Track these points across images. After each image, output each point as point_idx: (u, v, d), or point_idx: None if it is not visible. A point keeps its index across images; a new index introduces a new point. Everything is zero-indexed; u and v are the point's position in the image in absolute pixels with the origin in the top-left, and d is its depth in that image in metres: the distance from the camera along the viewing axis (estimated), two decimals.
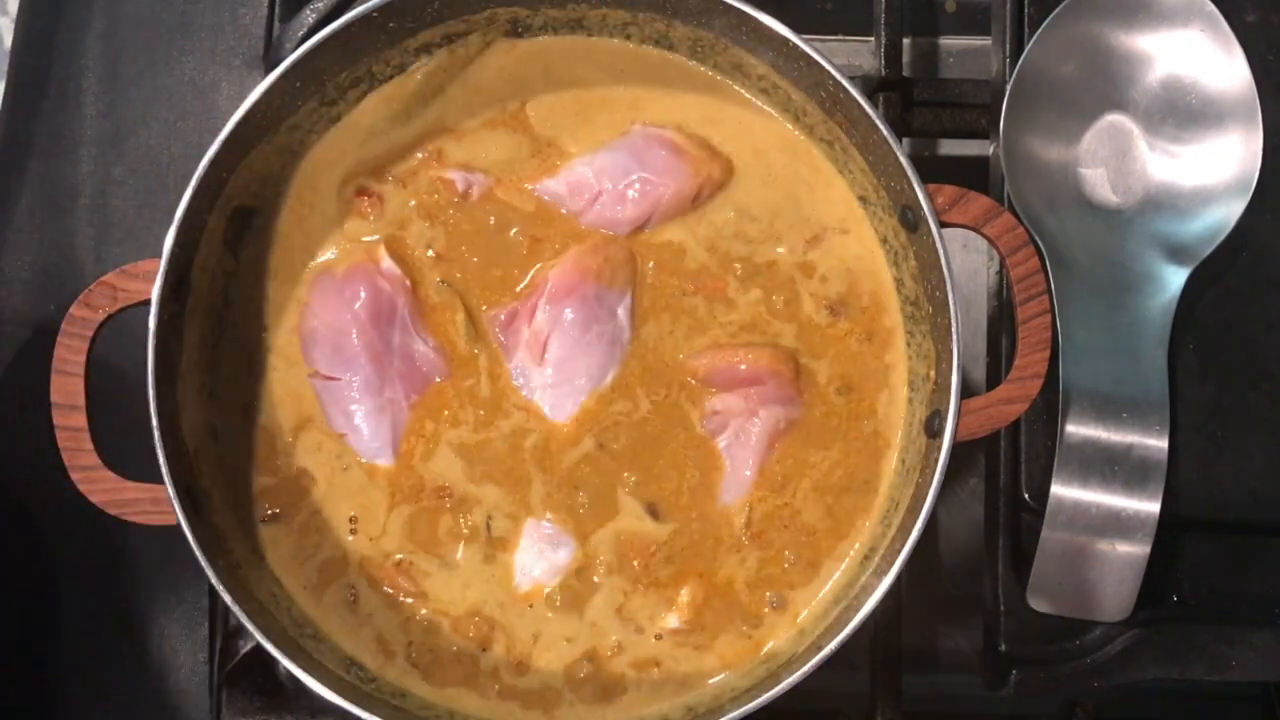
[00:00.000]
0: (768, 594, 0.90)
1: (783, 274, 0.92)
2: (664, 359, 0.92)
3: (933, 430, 0.88)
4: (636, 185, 0.91)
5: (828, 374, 0.91)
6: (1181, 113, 0.96)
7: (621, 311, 0.91)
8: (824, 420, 0.91)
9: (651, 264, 0.92)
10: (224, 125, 0.85)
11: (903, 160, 0.85)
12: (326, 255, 0.92)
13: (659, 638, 0.89)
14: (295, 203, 0.92)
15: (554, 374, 0.91)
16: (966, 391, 0.85)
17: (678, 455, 0.91)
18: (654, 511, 0.90)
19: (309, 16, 1.02)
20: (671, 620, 0.89)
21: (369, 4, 0.87)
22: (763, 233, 0.93)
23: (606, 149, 0.92)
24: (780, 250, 0.92)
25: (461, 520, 0.90)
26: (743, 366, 0.90)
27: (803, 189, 0.93)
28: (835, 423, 0.91)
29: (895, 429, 0.91)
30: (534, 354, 0.91)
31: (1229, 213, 0.95)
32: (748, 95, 0.94)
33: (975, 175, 0.97)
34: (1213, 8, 0.95)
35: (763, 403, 0.90)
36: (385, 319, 0.90)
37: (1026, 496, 0.95)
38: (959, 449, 0.84)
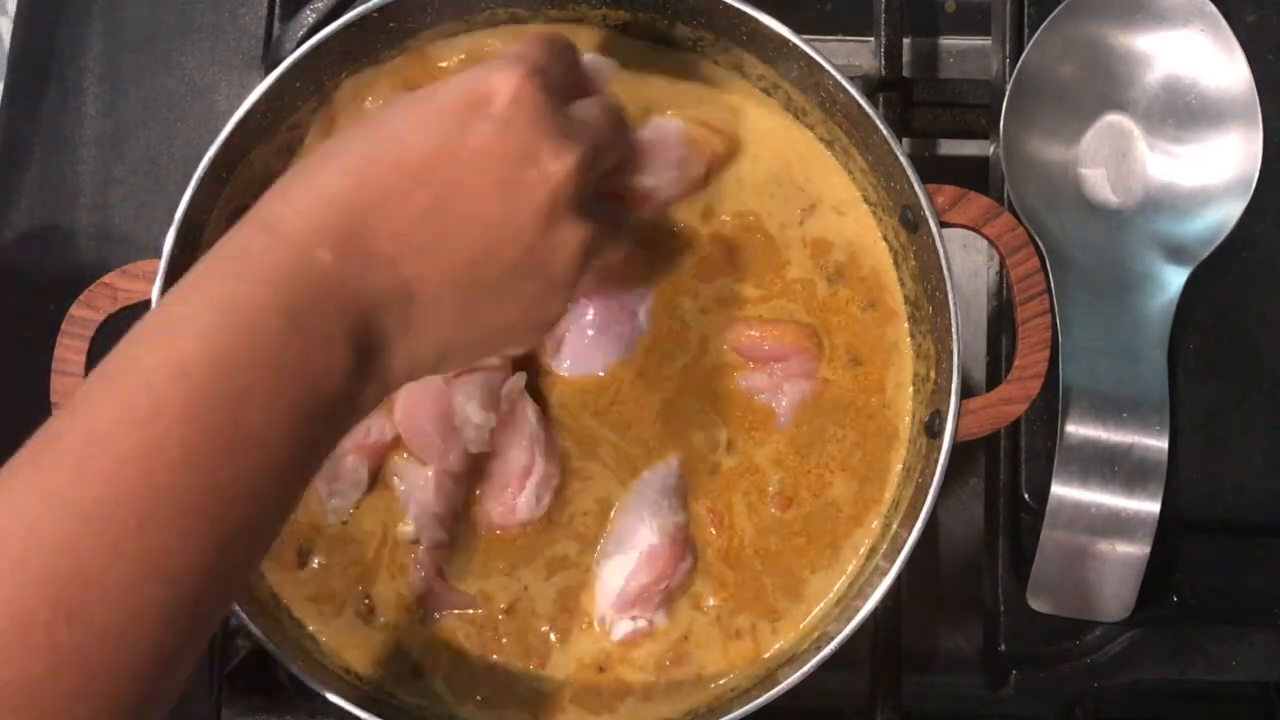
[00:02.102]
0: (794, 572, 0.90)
1: (790, 250, 0.92)
2: (684, 336, 0.92)
3: (933, 430, 0.88)
4: (648, 182, 0.91)
5: (840, 345, 0.92)
6: (1181, 113, 0.96)
7: (641, 312, 0.91)
8: (838, 394, 0.92)
9: (663, 244, 0.92)
10: (224, 125, 0.85)
11: (903, 160, 0.85)
12: None
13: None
14: None
15: (568, 368, 0.91)
16: (966, 391, 0.85)
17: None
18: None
19: (309, 16, 1.02)
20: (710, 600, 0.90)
21: (369, 4, 0.87)
22: (768, 206, 0.93)
23: None
24: (784, 225, 0.93)
25: None
26: (766, 345, 0.91)
27: (800, 176, 0.93)
28: (850, 396, 0.91)
29: (903, 415, 0.91)
30: (548, 352, 0.91)
31: (1229, 213, 0.95)
32: (751, 89, 0.93)
33: (975, 175, 0.97)
34: (1213, 8, 0.95)
35: (787, 378, 0.90)
36: None
37: (1026, 496, 0.95)
38: (959, 449, 0.84)
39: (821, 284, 0.92)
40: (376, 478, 0.90)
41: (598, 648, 0.89)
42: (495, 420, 0.88)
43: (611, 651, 0.89)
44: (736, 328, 0.91)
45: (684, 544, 0.89)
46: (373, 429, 0.89)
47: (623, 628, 0.88)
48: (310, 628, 0.89)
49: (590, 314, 0.90)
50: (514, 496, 0.88)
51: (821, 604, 0.89)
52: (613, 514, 0.90)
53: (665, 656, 0.89)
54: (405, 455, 0.90)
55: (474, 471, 0.90)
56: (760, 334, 0.91)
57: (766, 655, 0.89)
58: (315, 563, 0.89)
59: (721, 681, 0.89)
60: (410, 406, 0.89)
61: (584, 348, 0.90)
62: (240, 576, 0.64)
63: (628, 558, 0.88)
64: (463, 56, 0.93)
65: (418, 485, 0.89)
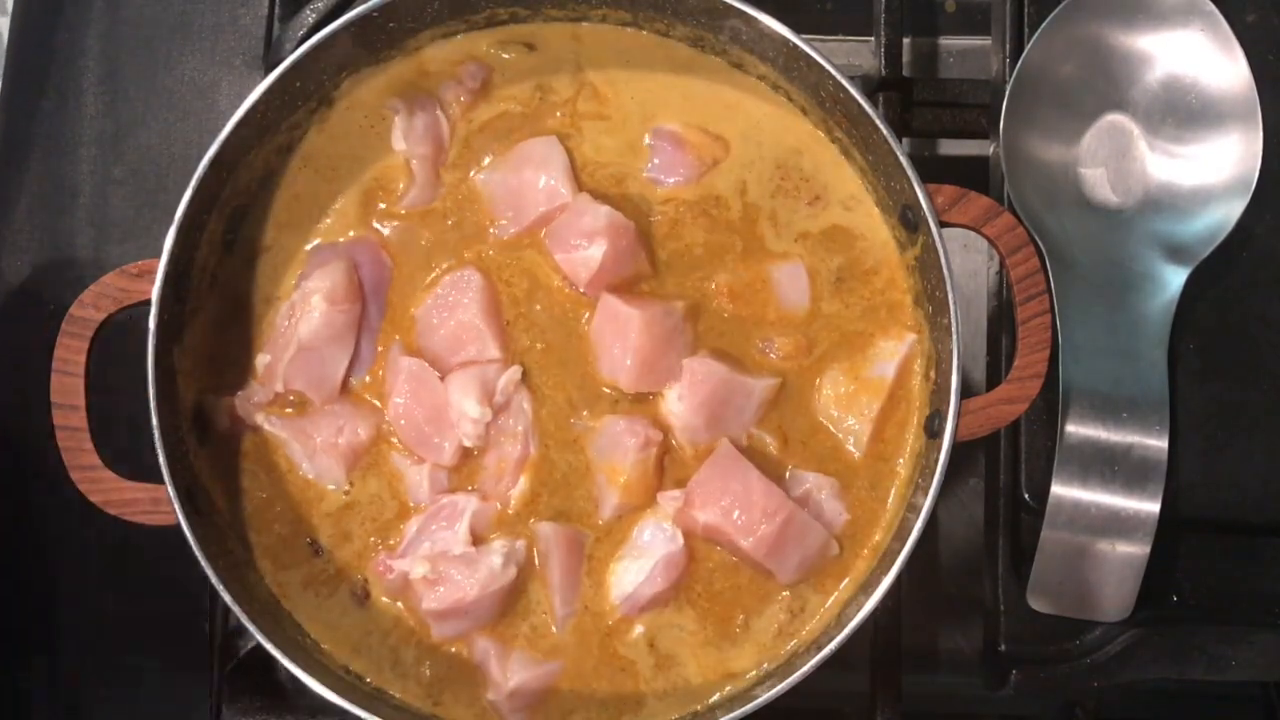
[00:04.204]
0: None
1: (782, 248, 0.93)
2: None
3: (933, 430, 0.88)
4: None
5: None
6: (1181, 113, 0.96)
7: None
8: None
9: (662, 230, 0.93)
10: (224, 125, 0.85)
11: (903, 160, 0.85)
12: (319, 241, 0.92)
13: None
14: (290, 195, 0.92)
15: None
16: (966, 391, 0.85)
17: None
18: None
19: (309, 16, 1.02)
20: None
21: (369, 4, 0.87)
22: (769, 197, 0.93)
23: None
24: (780, 217, 0.93)
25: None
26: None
27: (809, 167, 0.93)
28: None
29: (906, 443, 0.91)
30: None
31: (1229, 213, 0.95)
32: (755, 85, 0.93)
33: (975, 175, 0.97)
34: (1213, 8, 0.95)
35: None
36: (382, 291, 0.91)
37: (1026, 496, 0.95)
38: (959, 449, 0.84)
39: (829, 284, 0.92)
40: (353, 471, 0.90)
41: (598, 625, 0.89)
42: (491, 414, 0.88)
43: (606, 641, 0.89)
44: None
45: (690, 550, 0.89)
46: (345, 429, 0.89)
47: (636, 631, 0.89)
48: (308, 626, 0.89)
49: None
50: (508, 488, 0.88)
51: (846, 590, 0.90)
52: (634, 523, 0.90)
53: (658, 650, 0.89)
54: (401, 452, 0.90)
55: (466, 463, 0.90)
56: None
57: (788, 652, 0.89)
58: (326, 545, 0.89)
59: (724, 679, 0.89)
60: (405, 404, 0.89)
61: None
62: None
63: (641, 564, 0.88)
64: (459, 59, 0.93)
65: (414, 482, 0.89)
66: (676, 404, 0.88)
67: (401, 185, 0.92)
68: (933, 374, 0.89)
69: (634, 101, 0.93)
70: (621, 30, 0.93)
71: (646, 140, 0.93)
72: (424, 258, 0.91)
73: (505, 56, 0.93)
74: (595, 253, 0.88)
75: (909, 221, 0.88)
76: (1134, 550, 0.91)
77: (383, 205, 0.92)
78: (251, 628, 0.82)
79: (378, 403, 0.90)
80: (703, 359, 0.89)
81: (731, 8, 0.87)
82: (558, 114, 0.93)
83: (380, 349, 0.91)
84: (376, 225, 0.92)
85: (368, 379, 0.91)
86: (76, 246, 1.10)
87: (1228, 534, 0.96)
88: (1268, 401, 0.96)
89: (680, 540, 0.88)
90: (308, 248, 0.91)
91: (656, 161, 0.93)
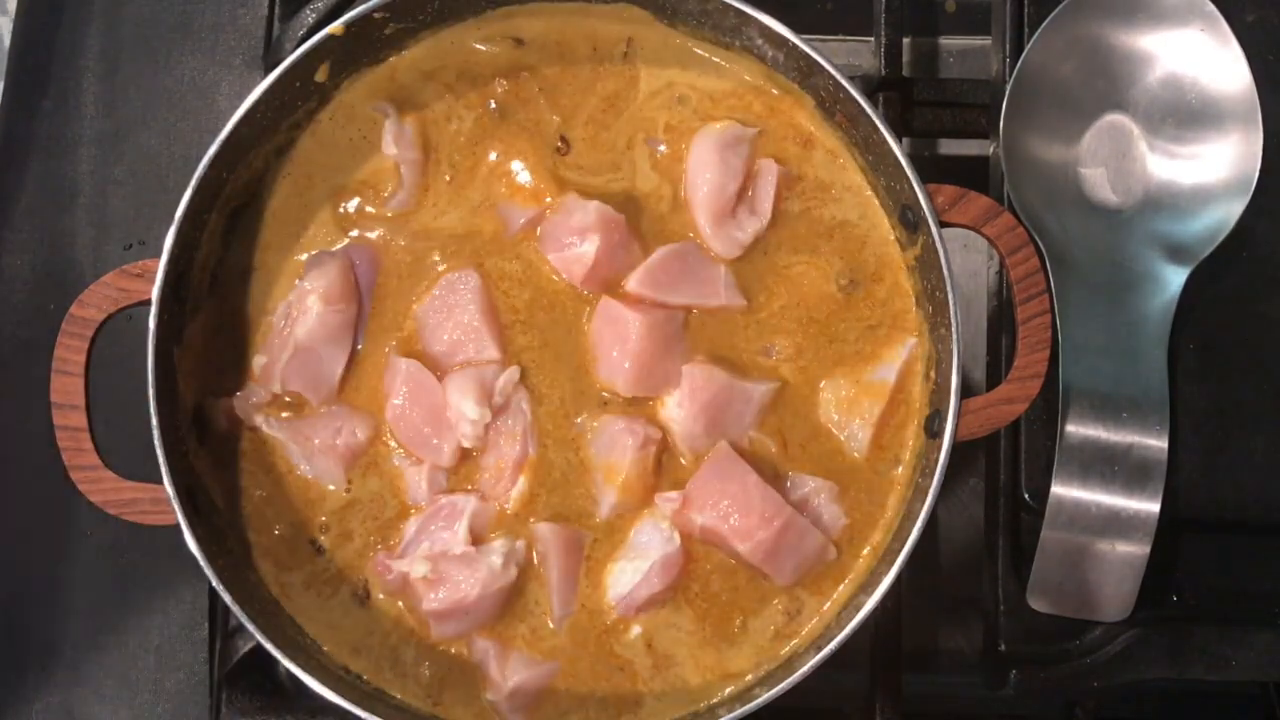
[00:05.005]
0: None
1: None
2: None
3: (933, 430, 0.88)
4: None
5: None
6: (1181, 113, 0.96)
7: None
8: None
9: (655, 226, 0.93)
10: (224, 125, 0.85)
11: (902, 160, 0.85)
12: (313, 251, 0.92)
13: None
14: (288, 194, 0.92)
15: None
16: (966, 391, 0.85)
17: None
18: None
19: (309, 16, 1.02)
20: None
21: (369, 4, 0.87)
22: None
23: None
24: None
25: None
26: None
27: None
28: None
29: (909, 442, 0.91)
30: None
31: (1229, 213, 0.95)
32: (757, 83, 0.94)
33: (975, 175, 0.97)
34: (1213, 8, 0.95)
35: None
36: (378, 292, 0.91)
37: (1026, 496, 0.95)
38: (959, 449, 0.84)
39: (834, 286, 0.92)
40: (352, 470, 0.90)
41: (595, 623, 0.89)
42: (490, 415, 0.88)
43: (604, 638, 0.89)
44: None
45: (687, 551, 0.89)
46: (342, 430, 0.89)
47: (633, 632, 0.89)
48: (309, 626, 0.89)
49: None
50: (507, 488, 0.89)
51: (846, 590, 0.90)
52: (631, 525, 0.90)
53: (656, 651, 0.89)
54: (399, 453, 0.90)
55: (465, 463, 0.90)
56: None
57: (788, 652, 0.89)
58: (327, 545, 0.89)
59: (724, 678, 0.89)
60: (402, 406, 0.89)
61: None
62: None
63: (637, 565, 0.88)
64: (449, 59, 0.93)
65: (412, 482, 0.89)
66: (676, 410, 0.88)
67: (390, 188, 0.92)
68: (933, 374, 0.89)
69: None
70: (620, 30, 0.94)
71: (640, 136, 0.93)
72: (419, 260, 0.91)
73: (493, 50, 0.93)
74: (588, 249, 0.88)
75: (909, 221, 0.88)
76: (1134, 550, 0.91)
77: (370, 209, 0.92)
78: (251, 628, 0.83)
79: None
80: (702, 365, 0.89)
81: (730, 7, 0.87)
82: (544, 106, 0.93)
83: (384, 350, 0.91)
84: (365, 229, 0.92)
85: (365, 379, 0.91)
86: (76, 246, 1.10)
87: (1228, 534, 0.97)
88: (1268, 401, 0.96)
89: (677, 541, 0.88)
90: (302, 255, 0.91)
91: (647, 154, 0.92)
